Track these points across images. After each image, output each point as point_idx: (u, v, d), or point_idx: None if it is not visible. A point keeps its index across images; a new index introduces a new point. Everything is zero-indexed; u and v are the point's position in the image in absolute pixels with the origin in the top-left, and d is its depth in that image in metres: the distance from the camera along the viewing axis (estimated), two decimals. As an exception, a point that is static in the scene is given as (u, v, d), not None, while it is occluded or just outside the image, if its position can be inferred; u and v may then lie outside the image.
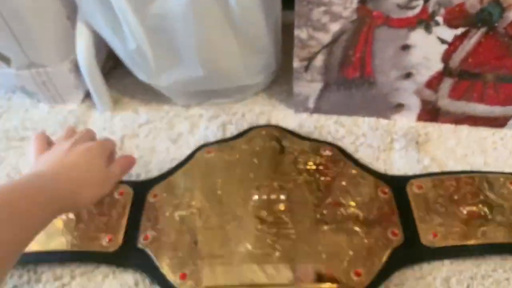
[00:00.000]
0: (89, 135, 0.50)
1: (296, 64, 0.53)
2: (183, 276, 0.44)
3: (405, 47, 0.50)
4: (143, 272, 0.46)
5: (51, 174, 0.42)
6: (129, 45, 0.52)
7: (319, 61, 0.52)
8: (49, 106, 0.63)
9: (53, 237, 0.48)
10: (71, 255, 0.47)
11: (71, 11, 0.56)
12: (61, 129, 0.60)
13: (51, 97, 0.61)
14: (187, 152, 0.56)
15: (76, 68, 0.59)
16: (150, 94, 0.63)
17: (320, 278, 0.43)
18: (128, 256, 0.47)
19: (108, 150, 0.48)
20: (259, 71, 0.58)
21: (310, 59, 0.52)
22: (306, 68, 0.53)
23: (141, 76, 0.57)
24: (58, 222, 0.49)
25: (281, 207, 0.48)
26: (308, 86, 0.56)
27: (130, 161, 0.51)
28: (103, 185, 0.46)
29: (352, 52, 0.51)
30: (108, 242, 0.47)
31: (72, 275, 0.47)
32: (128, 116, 0.61)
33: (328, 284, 0.43)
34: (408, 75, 0.53)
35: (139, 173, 0.55)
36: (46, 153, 0.46)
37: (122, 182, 0.53)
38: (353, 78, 0.54)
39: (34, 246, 0.47)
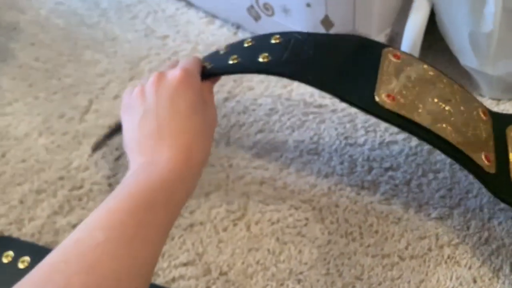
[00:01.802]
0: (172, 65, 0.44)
1: None
2: None
3: None
4: None
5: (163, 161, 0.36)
6: (483, 28, 0.48)
7: None
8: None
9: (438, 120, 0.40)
10: (450, 148, 0.39)
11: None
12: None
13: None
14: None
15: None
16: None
17: None
18: (503, 188, 0.40)
19: (197, 72, 0.42)
20: None
21: None
22: None
23: (470, 61, 0.53)
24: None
25: None
26: None
27: (195, 62, 0.44)
28: (210, 129, 0.40)
29: None
30: (486, 160, 0.40)
31: (401, 256, 0.46)
32: (431, 99, 0.58)
33: None
34: None
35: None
36: (131, 110, 0.40)
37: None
38: None
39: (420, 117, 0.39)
